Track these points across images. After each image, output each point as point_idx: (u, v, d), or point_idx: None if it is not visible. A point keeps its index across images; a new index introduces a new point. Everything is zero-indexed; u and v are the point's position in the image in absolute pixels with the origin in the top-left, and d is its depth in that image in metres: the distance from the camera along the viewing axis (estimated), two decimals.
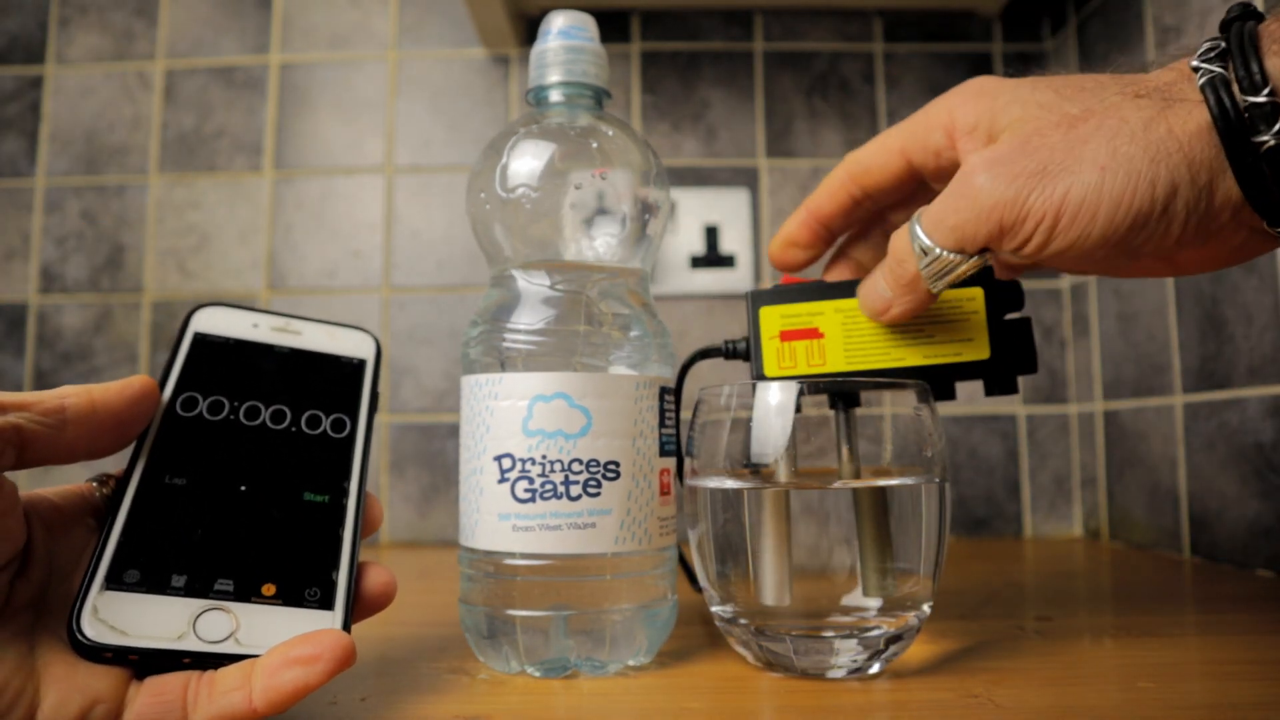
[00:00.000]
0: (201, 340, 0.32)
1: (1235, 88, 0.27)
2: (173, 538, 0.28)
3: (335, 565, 0.29)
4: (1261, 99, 0.26)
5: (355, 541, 0.30)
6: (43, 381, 0.80)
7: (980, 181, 0.30)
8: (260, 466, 0.30)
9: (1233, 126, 0.27)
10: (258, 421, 0.31)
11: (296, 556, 0.29)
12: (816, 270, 0.43)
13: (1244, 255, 0.31)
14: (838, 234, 0.41)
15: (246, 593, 0.28)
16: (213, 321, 0.33)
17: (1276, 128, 0.26)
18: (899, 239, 0.33)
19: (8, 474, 0.25)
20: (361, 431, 0.33)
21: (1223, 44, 0.28)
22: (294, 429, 0.32)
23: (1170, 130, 0.28)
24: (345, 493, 0.31)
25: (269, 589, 0.28)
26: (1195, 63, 0.28)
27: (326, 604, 0.29)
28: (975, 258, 0.32)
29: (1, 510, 0.25)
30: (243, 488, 0.30)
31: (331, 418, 0.32)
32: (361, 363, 0.34)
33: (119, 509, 0.28)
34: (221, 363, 0.32)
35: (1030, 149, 0.29)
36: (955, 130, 0.33)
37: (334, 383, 0.33)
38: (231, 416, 0.31)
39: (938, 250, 0.32)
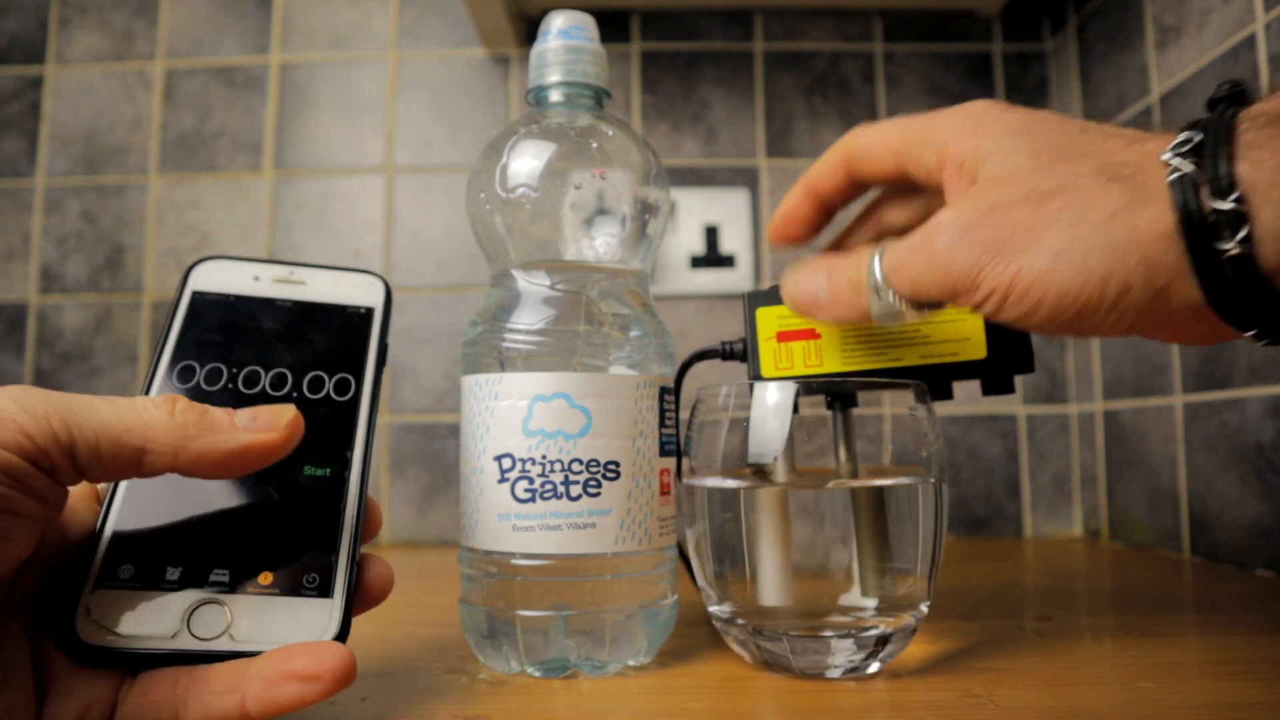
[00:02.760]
0: (200, 299, 0.31)
1: (1204, 190, 0.26)
2: (167, 527, 0.27)
3: (335, 548, 0.28)
4: (1227, 205, 0.25)
5: (358, 520, 0.29)
6: (42, 382, 0.80)
7: (943, 245, 0.30)
8: None
9: (1196, 232, 0.26)
10: (257, 389, 0.30)
11: (294, 540, 0.28)
12: None
13: (1213, 339, 0.31)
14: (835, 211, 0.40)
15: (242, 583, 0.27)
16: (212, 277, 0.31)
17: (1240, 235, 0.25)
18: (860, 268, 0.33)
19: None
20: (367, 391, 0.31)
21: (1198, 137, 0.27)
22: (295, 395, 0.30)
23: (1133, 230, 0.27)
24: (348, 464, 0.30)
25: (265, 578, 0.27)
26: (1167, 156, 0.27)
27: (325, 591, 0.27)
28: (926, 309, 0.32)
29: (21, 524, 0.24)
30: None
31: (335, 378, 0.31)
32: (369, 311, 0.33)
33: (114, 499, 0.27)
34: (219, 324, 0.30)
35: (994, 220, 0.29)
36: (947, 158, 0.33)
37: (339, 337, 0.32)
38: (230, 385, 0.30)
39: (891, 297, 0.32)
